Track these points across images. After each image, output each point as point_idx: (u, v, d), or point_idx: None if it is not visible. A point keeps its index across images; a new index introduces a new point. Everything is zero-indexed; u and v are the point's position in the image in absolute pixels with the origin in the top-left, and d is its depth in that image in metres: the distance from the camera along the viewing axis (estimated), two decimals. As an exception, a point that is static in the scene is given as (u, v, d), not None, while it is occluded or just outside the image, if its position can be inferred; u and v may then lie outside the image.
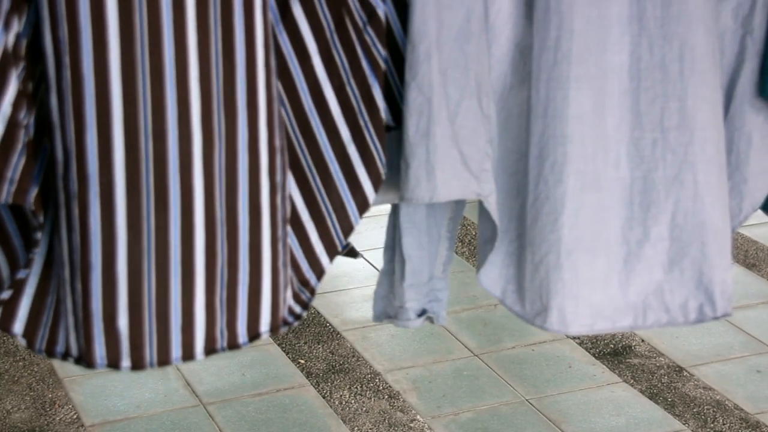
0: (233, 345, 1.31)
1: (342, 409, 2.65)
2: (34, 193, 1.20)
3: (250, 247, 1.28)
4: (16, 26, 1.16)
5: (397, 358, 2.88)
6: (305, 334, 2.98)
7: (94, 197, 1.20)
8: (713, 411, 2.67)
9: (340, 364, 2.84)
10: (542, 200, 1.40)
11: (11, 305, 1.28)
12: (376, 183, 1.35)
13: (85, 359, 1.27)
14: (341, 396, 2.71)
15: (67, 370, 2.79)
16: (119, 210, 1.21)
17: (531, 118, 1.39)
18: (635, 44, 1.37)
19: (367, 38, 1.31)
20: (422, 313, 1.52)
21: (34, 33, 1.19)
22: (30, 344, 1.30)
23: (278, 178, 1.29)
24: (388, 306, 1.53)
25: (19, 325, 1.28)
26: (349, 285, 3.25)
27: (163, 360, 1.27)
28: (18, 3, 1.16)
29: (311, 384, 2.75)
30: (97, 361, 1.26)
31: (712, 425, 2.62)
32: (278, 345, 2.92)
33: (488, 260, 1.46)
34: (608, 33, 1.36)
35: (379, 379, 2.78)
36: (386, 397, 2.71)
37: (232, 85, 1.23)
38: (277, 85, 1.29)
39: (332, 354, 2.90)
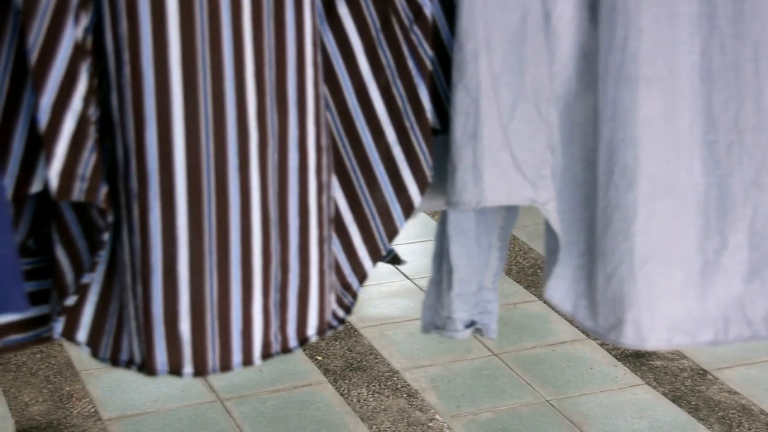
0: (285, 349, 1.27)
1: (360, 407, 2.64)
2: (104, 190, 1.17)
3: (300, 248, 1.25)
4: (84, 20, 1.14)
5: (415, 356, 2.87)
6: (323, 330, 2.98)
7: (155, 197, 1.17)
8: (738, 415, 2.65)
9: (358, 362, 2.83)
10: (613, 207, 1.35)
11: (75, 313, 1.25)
12: (422, 185, 1.31)
13: (146, 366, 1.23)
14: (359, 394, 2.70)
15: (84, 363, 2.79)
16: (180, 210, 1.18)
17: (598, 122, 1.35)
18: (706, 44, 1.33)
19: (414, 38, 1.29)
20: (471, 324, 1.47)
21: (96, 30, 1.17)
22: (94, 353, 1.26)
23: (324, 177, 1.27)
24: (435, 316, 1.48)
25: (82, 334, 1.25)
26: (368, 282, 3.23)
27: (225, 366, 1.23)
28: None
29: (329, 381, 2.74)
30: (158, 367, 1.22)
31: (737, 430, 2.60)
32: (296, 341, 2.91)
33: (555, 274, 1.42)
34: (678, 33, 1.32)
35: (398, 377, 2.77)
36: (405, 395, 2.70)
37: (283, 81, 1.20)
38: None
39: (350, 351, 2.89)
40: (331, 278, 1.31)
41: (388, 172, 1.31)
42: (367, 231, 1.32)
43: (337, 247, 1.32)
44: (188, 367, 1.22)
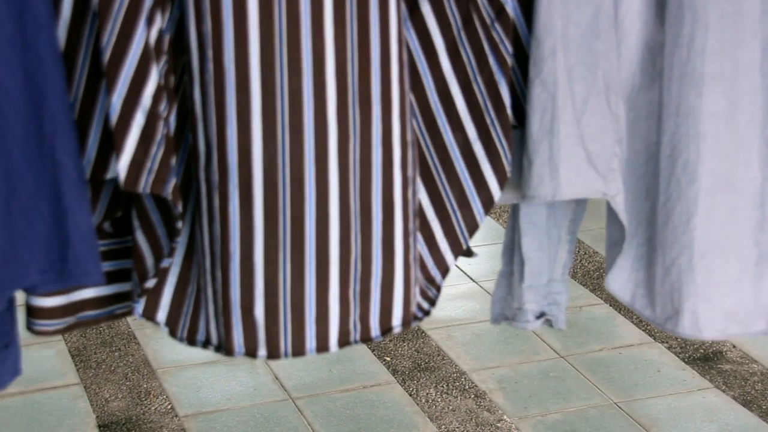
0: (366, 338, 1.31)
1: (428, 407, 2.67)
2: (172, 183, 1.21)
3: (383, 241, 1.28)
4: (159, 22, 1.19)
5: (482, 357, 2.88)
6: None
7: (234, 189, 1.21)
8: (810, 419, 2.64)
9: (426, 363, 2.86)
10: (674, 200, 1.38)
11: (155, 295, 1.29)
12: (502, 180, 1.34)
13: (224, 347, 1.28)
14: (427, 394, 2.72)
15: (160, 361, 2.85)
16: (257, 201, 1.22)
17: (662, 117, 1.38)
18: (767, 40, 1.35)
19: (495, 35, 1.31)
20: (541, 315, 1.51)
21: (177, 28, 1.22)
22: (172, 333, 1.32)
23: (410, 172, 1.30)
24: (506, 308, 1.52)
25: (162, 314, 1.30)
26: (434, 284, 3.25)
27: (298, 350, 1.27)
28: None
29: (397, 381, 2.76)
30: (235, 349, 1.27)
31: (810, 434, 2.59)
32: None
33: (617, 264, 1.45)
34: (741, 30, 1.34)
35: (465, 378, 2.79)
36: (472, 396, 2.71)
37: (366, 78, 1.23)
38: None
39: (417, 352, 2.91)
40: (416, 271, 1.33)
41: (469, 167, 1.34)
42: (449, 225, 1.35)
43: (419, 242, 1.35)
44: (262, 350, 1.27)
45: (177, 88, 1.25)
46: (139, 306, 1.30)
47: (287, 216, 1.23)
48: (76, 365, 2.82)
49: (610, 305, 3.17)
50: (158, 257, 1.28)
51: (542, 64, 1.31)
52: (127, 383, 2.75)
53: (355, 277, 1.28)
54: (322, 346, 1.28)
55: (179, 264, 1.30)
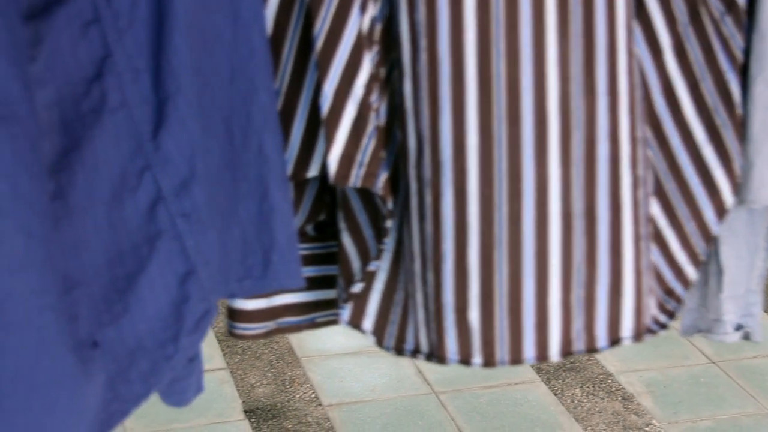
0: (591, 348, 1.22)
1: (574, 408, 2.62)
2: (383, 178, 1.16)
3: (611, 244, 1.19)
4: (372, 10, 1.15)
5: (629, 360, 2.82)
6: (535, 329, 2.96)
7: (447, 184, 1.15)
8: None
9: (571, 362, 2.80)
10: None
11: (361, 302, 1.24)
12: (735, 186, 1.24)
13: (436, 355, 1.21)
14: (573, 394, 2.67)
15: (305, 350, 2.87)
16: (472, 197, 1.15)
17: None
18: None
19: (725, 30, 1.22)
20: (739, 327, 1.41)
21: (387, 21, 1.17)
22: (379, 342, 1.26)
23: (640, 171, 1.21)
24: (699, 319, 1.43)
25: (368, 323, 1.25)
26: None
27: (516, 358, 1.19)
28: None
29: (542, 380, 2.73)
30: (448, 356, 1.20)
31: None
32: (508, 339, 2.91)
33: None
34: None
35: (612, 380, 2.73)
36: (620, 398, 2.65)
37: (591, 67, 1.16)
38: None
39: (562, 352, 2.87)
40: (649, 280, 1.25)
41: (699, 173, 1.25)
42: (683, 235, 1.26)
43: (654, 252, 1.26)
44: (477, 357, 1.20)
45: (386, 83, 1.19)
46: (345, 312, 1.24)
47: (503, 213, 1.15)
48: (222, 350, 2.87)
49: (766, 312, 3.05)
50: (365, 260, 1.22)
51: (765, 61, 1.22)
52: (272, 370, 2.78)
53: (578, 282, 1.19)
54: (542, 354, 1.19)
55: (386, 270, 1.23)
